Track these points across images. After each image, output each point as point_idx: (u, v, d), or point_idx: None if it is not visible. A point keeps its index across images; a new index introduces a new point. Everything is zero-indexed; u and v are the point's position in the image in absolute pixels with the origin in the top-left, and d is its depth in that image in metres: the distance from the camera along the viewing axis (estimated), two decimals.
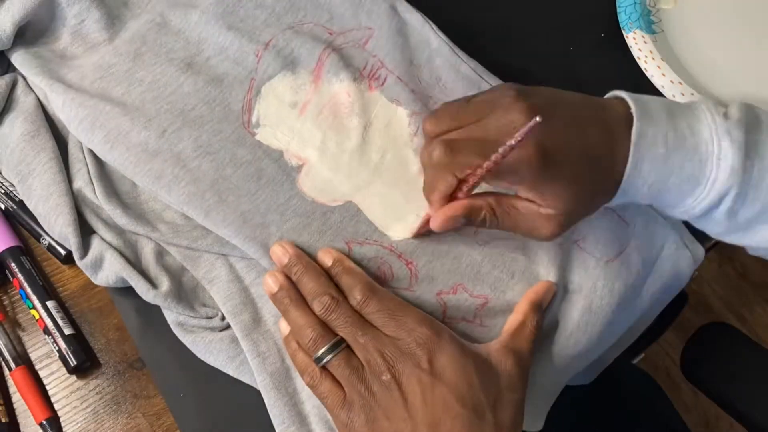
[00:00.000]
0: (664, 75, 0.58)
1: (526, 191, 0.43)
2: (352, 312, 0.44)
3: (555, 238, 0.45)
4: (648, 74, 0.59)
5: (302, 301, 0.45)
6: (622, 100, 0.44)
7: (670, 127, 0.42)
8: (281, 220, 0.49)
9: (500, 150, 0.40)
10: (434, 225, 0.46)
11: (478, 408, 0.41)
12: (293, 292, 0.46)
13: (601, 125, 0.43)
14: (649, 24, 0.62)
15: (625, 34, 0.61)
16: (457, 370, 0.42)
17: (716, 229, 0.46)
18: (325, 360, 0.43)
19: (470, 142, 0.43)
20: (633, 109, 0.42)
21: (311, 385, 0.44)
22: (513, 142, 0.39)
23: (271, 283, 0.46)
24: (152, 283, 0.49)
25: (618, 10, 0.62)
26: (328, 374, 0.43)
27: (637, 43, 0.60)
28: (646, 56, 0.59)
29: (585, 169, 0.43)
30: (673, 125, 0.42)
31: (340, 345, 0.43)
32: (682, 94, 0.57)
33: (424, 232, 0.49)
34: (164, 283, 0.49)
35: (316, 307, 0.44)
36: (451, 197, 0.45)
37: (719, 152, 0.42)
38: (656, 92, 0.59)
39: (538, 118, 0.38)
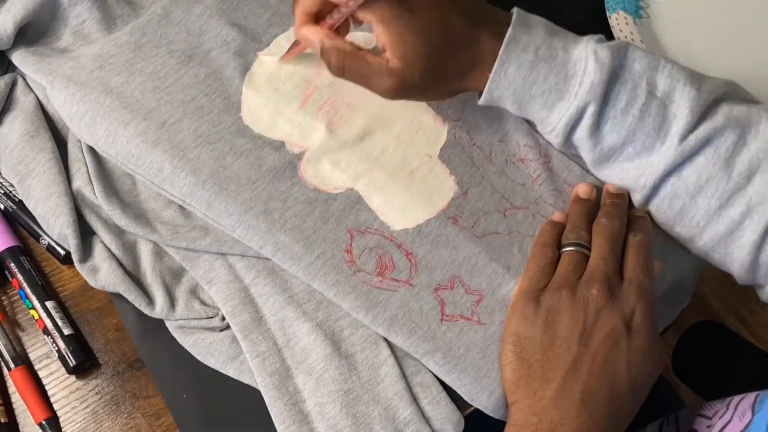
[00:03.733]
0: None
1: (382, 31, 0.45)
2: (619, 246, 0.47)
3: (392, 96, 0.47)
4: None
5: (592, 218, 0.49)
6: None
7: (545, 41, 0.46)
8: (284, 207, 0.49)
9: None
10: (300, 33, 0.48)
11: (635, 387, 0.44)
12: (592, 210, 0.50)
13: (483, 20, 0.46)
14: (637, 9, 0.62)
15: (608, 15, 0.61)
16: (646, 342, 0.44)
17: (586, 155, 0.49)
18: (566, 249, 0.47)
19: None
20: (513, 16, 0.46)
21: (539, 259, 0.48)
22: None
23: (585, 189, 0.51)
24: (150, 297, 0.49)
25: None
26: (554, 263, 0.47)
27: (619, 23, 0.60)
28: (626, 37, 0.59)
29: (444, 37, 0.45)
30: (549, 41, 0.46)
31: (584, 247, 0.47)
32: None
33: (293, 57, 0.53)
34: (159, 298, 0.49)
35: (603, 220, 0.48)
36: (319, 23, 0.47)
37: (585, 68, 0.45)
38: None
39: None
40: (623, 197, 0.50)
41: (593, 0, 0.63)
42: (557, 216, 0.51)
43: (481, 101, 0.48)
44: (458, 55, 0.46)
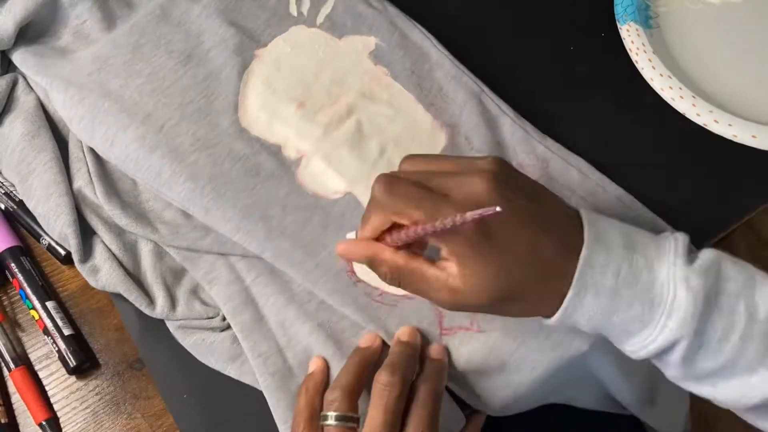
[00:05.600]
0: (654, 68, 0.58)
1: (449, 255, 0.38)
2: (398, 412, 0.40)
3: (446, 307, 0.41)
4: (638, 66, 0.59)
5: (367, 369, 0.43)
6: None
7: (624, 259, 0.38)
8: (283, 214, 0.49)
9: (444, 222, 0.36)
10: (339, 249, 0.42)
11: None
12: (371, 359, 0.44)
13: (560, 239, 0.39)
14: (647, 19, 0.62)
15: (619, 26, 0.61)
16: None
17: (672, 372, 0.41)
18: (327, 422, 0.41)
19: (419, 190, 0.39)
20: (585, 233, 0.39)
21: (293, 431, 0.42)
22: (459, 219, 0.35)
23: (367, 338, 0.46)
24: (150, 297, 0.49)
25: (615, 2, 0.63)
26: None
27: (630, 35, 0.60)
28: (638, 48, 0.59)
29: (529, 272, 0.38)
30: (629, 258, 0.38)
31: (351, 421, 0.41)
32: (671, 87, 0.57)
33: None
34: (160, 298, 0.49)
35: (382, 377, 0.41)
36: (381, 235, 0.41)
37: (674, 299, 0.38)
38: (646, 85, 0.59)
39: (498, 209, 0.34)
40: (414, 346, 0.45)
41: (603, 11, 0.63)
42: (318, 367, 0.45)
43: (549, 323, 0.41)
44: (538, 289, 0.39)
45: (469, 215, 0.35)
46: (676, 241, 0.40)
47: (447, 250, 0.38)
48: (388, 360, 0.43)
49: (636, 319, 0.38)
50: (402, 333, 0.46)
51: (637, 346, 0.40)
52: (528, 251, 0.38)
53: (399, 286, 0.41)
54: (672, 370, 0.41)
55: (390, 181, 0.39)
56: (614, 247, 0.38)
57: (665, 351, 0.39)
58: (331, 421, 0.41)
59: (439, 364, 0.44)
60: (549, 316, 0.40)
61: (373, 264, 0.41)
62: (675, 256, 0.39)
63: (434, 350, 0.46)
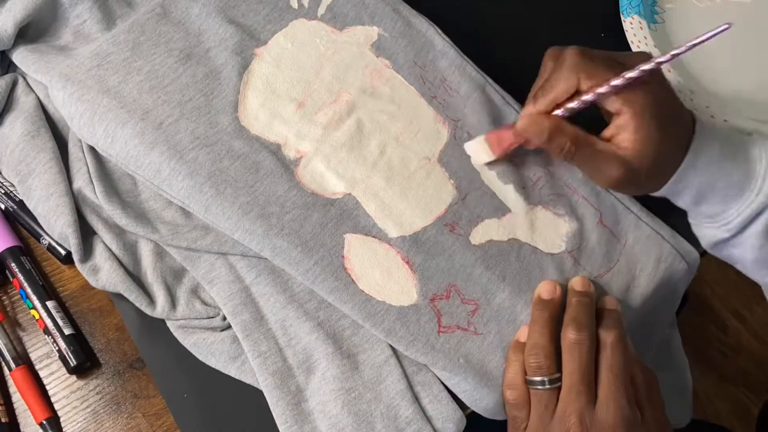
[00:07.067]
0: None
1: (629, 118, 0.44)
2: (591, 364, 0.43)
3: (612, 184, 0.46)
4: None
5: (555, 323, 0.45)
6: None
7: (725, 138, 0.46)
8: (281, 212, 0.49)
9: (634, 72, 0.43)
10: (521, 124, 0.46)
11: None
12: (556, 311, 0.46)
13: (681, 115, 0.47)
14: (652, 14, 0.62)
15: (623, 19, 0.61)
16: None
17: (748, 254, 0.47)
18: (535, 387, 0.44)
19: (606, 59, 0.45)
20: (694, 115, 0.47)
21: (510, 401, 0.45)
22: (649, 66, 0.43)
23: (548, 289, 0.47)
24: (151, 297, 0.49)
25: None
26: (528, 398, 0.44)
27: (633, 27, 0.60)
28: (639, 41, 0.59)
29: (677, 127, 0.45)
30: (729, 138, 0.46)
31: (557, 382, 0.43)
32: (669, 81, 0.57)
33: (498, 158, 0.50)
34: (160, 298, 0.49)
35: (570, 334, 0.44)
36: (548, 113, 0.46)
37: (766, 166, 0.45)
38: None
39: (727, 24, 0.41)
40: (590, 294, 0.47)
41: (607, 4, 0.63)
42: (522, 335, 0.47)
43: (661, 192, 0.48)
44: (679, 148, 0.46)
45: (686, 45, 0.43)
46: (759, 137, 0.47)
47: (628, 112, 0.44)
48: (570, 314, 0.45)
49: (735, 186, 0.45)
50: (576, 283, 0.48)
51: (733, 213, 0.46)
52: (672, 116, 0.45)
53: (571, 159, 0.46)
54: (749, 250, 0.46)
55: (583, 49, 0.45)
56: (717, 129, 0.47)
57: (757, 215, 0.45)
58: (539, 386, 0.43)
59: (617, 314, 0.47)
60: (657, 189, 0.47)
61: (553, 136, 0.45)
62: (762, 140, 0.47)
63: (608, 302, 0.48)
